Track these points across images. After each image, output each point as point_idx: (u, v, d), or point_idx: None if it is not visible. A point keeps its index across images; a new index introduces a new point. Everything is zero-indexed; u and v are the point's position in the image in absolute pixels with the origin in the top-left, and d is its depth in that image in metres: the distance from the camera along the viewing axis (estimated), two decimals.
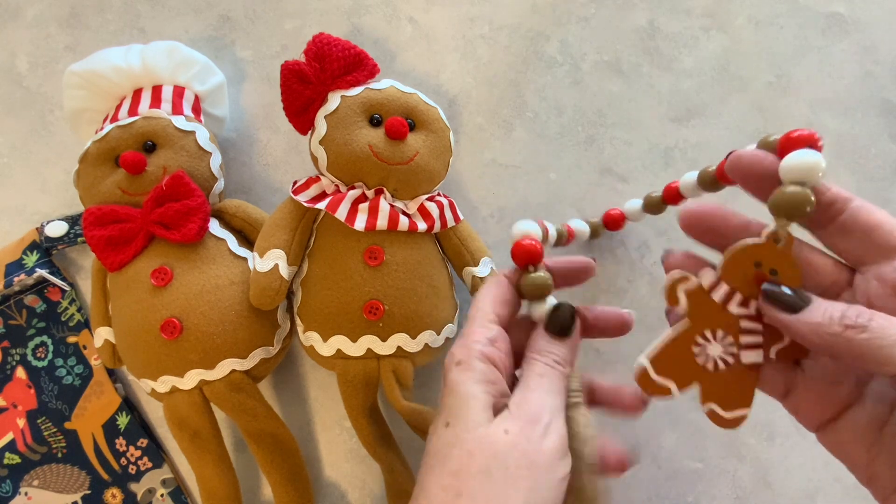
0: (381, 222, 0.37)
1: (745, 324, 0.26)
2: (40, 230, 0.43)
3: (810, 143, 0.24)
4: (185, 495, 0.43)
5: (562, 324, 0.28)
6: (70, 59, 0.46)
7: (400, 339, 0.37)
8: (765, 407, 0.43)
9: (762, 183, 0.26)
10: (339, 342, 0.37)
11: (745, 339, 0.26)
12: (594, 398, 0.30)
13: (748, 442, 0.43)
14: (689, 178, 0.37)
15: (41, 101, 0.46)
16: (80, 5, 0.47)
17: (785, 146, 0.25)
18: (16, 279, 0.42)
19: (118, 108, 0.40)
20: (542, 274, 0.28)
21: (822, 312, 0.23)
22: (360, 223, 0.37)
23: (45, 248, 0.43)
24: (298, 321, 0.39)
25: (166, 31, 0.47)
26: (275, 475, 0.39)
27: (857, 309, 0.23)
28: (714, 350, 0.26)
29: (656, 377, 0.26)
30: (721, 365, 0.26)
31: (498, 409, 0.26)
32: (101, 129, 0.39)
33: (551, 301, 0.29)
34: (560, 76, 0.47)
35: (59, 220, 0.43)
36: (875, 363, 0.22)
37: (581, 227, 0.41)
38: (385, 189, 0.38)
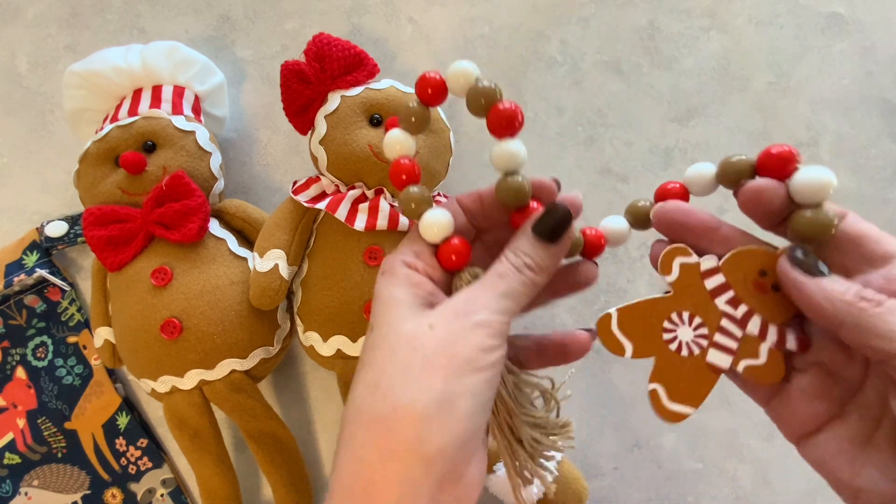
0: (381, 222, 0.37)
1: (725, 323, 0.25)
2: (40, 230, 0.43)
3: (791, 160, 0.24)
4: (185, 495, 0.43)
5: (552, 226, 0.25)
6: (70, 59, 0.46)
7: None
8: None
9: (770, 213, 0.25)
10: (339, 342, 0.37)
11: (719, 337, 0.25)
12: (545, 353, 0.28)
13: (748, 442, 0.43)
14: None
15: (41, 101, 0.46)
16: (80, 5, 0.47)
17: (765, 163, 0.24)
18: (16, 279, 0.42)
19: (118, 108, 0.40)
20: (518, 178, 0.26)
21: (841, 282, 0.23)
22: (360, 223, 0.37)
23: (45, 248, 0.43)
24: (298, 321, 0.39)
25: (166, 31, 0.47)
26: (275, 475, 0.39)
27: (872, 291, 0.22)
28: (684, 334, 0.25)
29: (617, 330, 0.26)
30: (685, 351, 0.25)
31: (424, 307, 0.25)
32: (101, 129, 0.39)
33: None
34: (560, 76, 0.47)
35: (59, 220, 0.43)
36: (881, 338, 0.22)
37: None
38: (385, 189, 0.38)
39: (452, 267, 0.26)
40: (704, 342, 0.25)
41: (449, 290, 0.27)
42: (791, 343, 0.25)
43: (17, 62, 0.47)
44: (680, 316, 0.26)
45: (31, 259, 0.43)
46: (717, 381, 0.26)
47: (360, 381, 0.24)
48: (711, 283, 0.25)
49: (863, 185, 0.46)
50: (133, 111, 0.39)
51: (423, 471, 0.22)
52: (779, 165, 0.24)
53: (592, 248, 0.28)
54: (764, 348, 0.25)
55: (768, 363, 0.25)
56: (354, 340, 0.37)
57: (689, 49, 0.48)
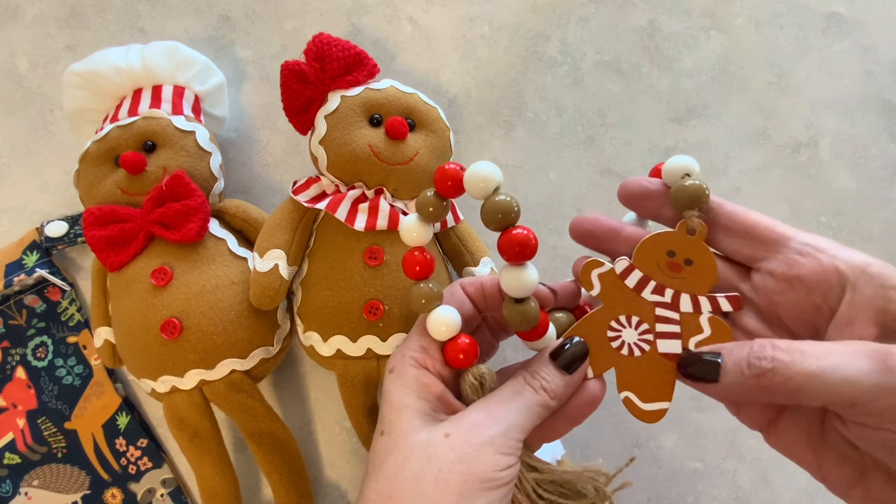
0: (381, 222, 0.37)
1: (660, 311, 0.26)
2: (40, 230, 0.43)
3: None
4: (185, 495, 0.43)
5: (570, 359, 0.26)
6: (70, 59, 0.46)
7: (400, 339, 0.37)
8: None
9: (649, 202, 0.27)
10: (339, 342, 0.37)
11: (661, 327, 0.26)
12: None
13: (748, 442, 0.43)
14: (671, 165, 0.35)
15: (41, 101, 0.46)
16: (80, 5, 0.47)
17: (654, 174, 0.27)
18: (16, 279, 0.42)
19: (118, 108, 0.40)
20: (530, 304, 0.26)
21: (733, 368, 0.23)
22: (360, 223, 0.37)
23: (45, 248, 0.43)
24: (298, 321, 0.39)
25: (166, 31, 0.47)
26: (275, 475, 0.39)
27: (760, 349, 0.23)
28: (629, 336, 0.26)
29: None
30: (637, 351, 0.26)
31: (436, 412, 0.25)
32: (101, 129, 0.39)
33: (552, 334, 0.27)
34: (560, 76, 0.47)
35: (59, 220, 0.43)
36: (795, 400, 0.23)
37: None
38: (385, 189, 0.38)
39: (459, 365, 0.27)
40: (650, 336, 0.26)
41: (457, 387, 0.27)
42: (725, 305, 0.26)
43: (17, 62, 0.47)
44: (619, 321, 0.26)
45: (31, 259, 0.43)
46: (677, 366, 0.26)
47: (371, 488, 0.24)
48: (631, 280, 0.26)
49: (863, 185, 0.46)
50: (133, 111, 0.39)
51: None
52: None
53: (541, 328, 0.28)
54: (704, 320, 0.26)
55: (714, 331, 0.26)
56: (354, 340, 0.37)
57: (689, 49, 0.48)
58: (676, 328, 0.26)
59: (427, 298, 0.27)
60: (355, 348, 0.37)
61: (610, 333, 0.26)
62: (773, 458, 0.43)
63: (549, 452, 0.40)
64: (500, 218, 0.25)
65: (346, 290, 0.37)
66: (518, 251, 0.24)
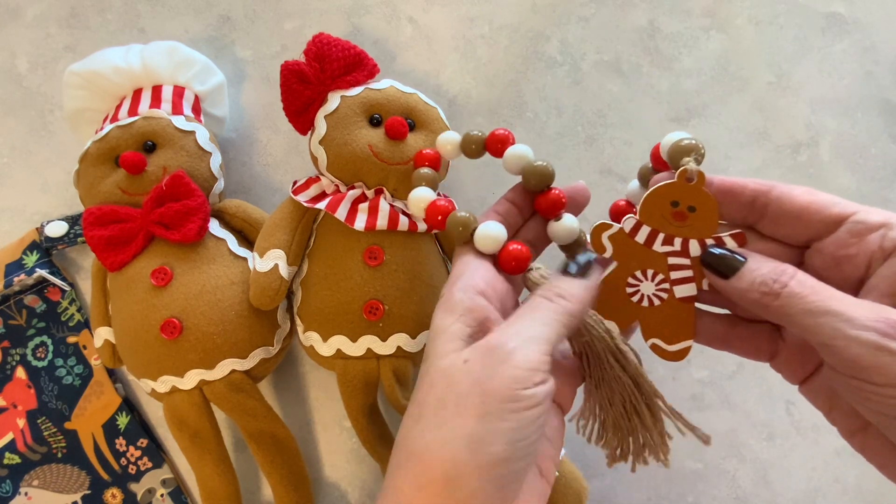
0: (381, 222, 0.37)
1: (672, 260, 0.27)
2: (40, 230, 0.43)
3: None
4: (185, 495, 0.43)
5: (583, 264, 0.27)
6: (70, 59, 0.46)
7: (400, 339, 0.37)
8: (765, 407, 0.44)
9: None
10: (339, 342, 0.37)
11: (675, 274, 0.28)
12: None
13: (748, 442, 0.43)
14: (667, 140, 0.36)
15: (41, 101, 0.46)
16: (80, 5, 0.47)
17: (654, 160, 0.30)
18: (16, 279, 0.42)
19: (118, 108, 0.40)
20: (539, 269, 0.28)
21: (748, 277, 0.25)
22: (359, 223, 0.37)
23: (45, 248, 0.43)
24: (298, 321, 0.39)
25: (166, 31, 0.47)
26: (275, 475, 0.39)
27: (780, 271, 0.24)
28: (647, 288, 0.28)
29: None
30: (656, 301, 0.28)
31: (474, 338, 0.25)
32: (101, 129, 0.39)
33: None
34: (560, 76, 0.47)
35: (59, 220, 0.43)
36: (790, 326, 0.24)
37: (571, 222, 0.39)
38: (385, 189, 0.38)
39: (517, 269, 0.28)
40: (667, 284, 0.28)
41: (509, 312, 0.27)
42: (730, 243, 0.27)
43: (17, 62, 0.47)
44: (635, 277, 0.28)
45: (31, 259, 0.43)
46: (695, 306, 0.28)
47: (407, 412, 0.24)
48: (641, 236, 0.28)
49: (863, 185, 0.46)
50: (133, 111, 0.39)
51: None
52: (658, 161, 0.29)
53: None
54: None
55: None
56: (354, 340, 0.37)
57: (689, 49, 0.48)
58: (689, 273, 0.27)
59: (464, 225, 0.28)
60: (355, 348, 0.37)
61: (629, 290, 0.28)
62: (773, 458, 0.43)
63: None
64: (538, 181, 0.30)
65: (345, 290, 0.37)
66: (552, 206, 0.30)
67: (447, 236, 0.40)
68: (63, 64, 0.45)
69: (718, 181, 0.26)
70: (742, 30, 0.48)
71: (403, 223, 0.37)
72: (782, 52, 0.48)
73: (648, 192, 0.27)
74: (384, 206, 0.37)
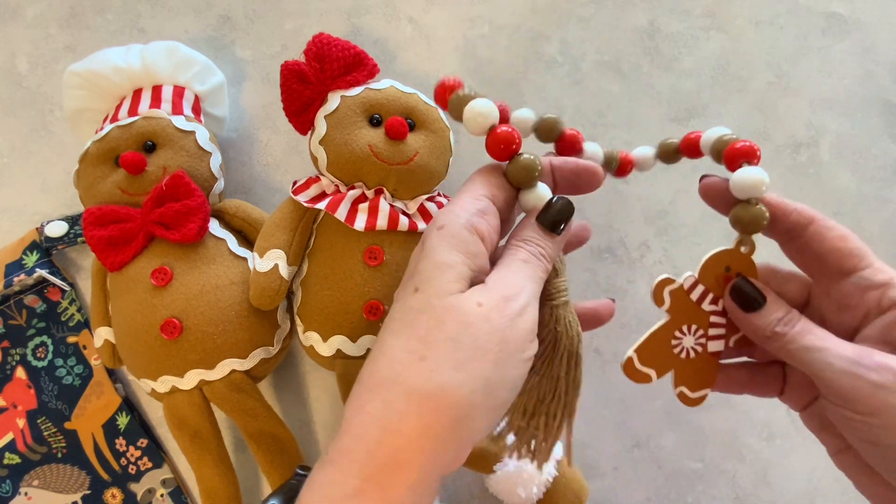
0: (381, 222, 0.37)
1: (713, 318, 0.30)
2: (40, 230, 0.43)
3: (749, 156, 0.28)
4: (185, 495, 0.43)
5: (556, 217, 0.27)
6: (70, 59, 0.46)
7: None
8: (765, 407, 0.44)
9: (722, 203, 0.29)
10: (339, 342, 0.37)
11: (712, 331, 0.30)
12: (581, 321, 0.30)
13: (748, 442, 0.43)
14: (710, 134, 0.34)
15: (41, 101, 0.46)
16: (80, 5, 0.47)
17: (729, 157, 0.29)
18: (16, 279, 0.42)
19: (118, 108, 0.40)
20: (528, 155, 0.27)
21: (765, 316, 0.28)
22: (359, 223, 0.37)
23: (45, 248, 0.43)
24: (298, 321, 0.39)
25: (166, 31, 0.47)
26: (275, 475, 0.39)
27: (789, 320, 0.27)
28: (688, 342, 0.30)
29: (640, 366, 0.30)
30: (692, 354, 0.30)
31: (474, 285, 0.25)
32: (101, 129, 0.39)
33: (544, 190, 0.28)
34: (560, 76, 0.47)
35: (59, 220, 0.43)
36: (791, 359, 0.27)
37: (594, 150, 0.38)
38: (385, 189, 0.38)
39: (507, 154, 0.27)
40: (703, 340, 0.30)
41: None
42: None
43: (17, 62, 0.47)
44: (681, 330, 0.30)
45: (31, 259, 0.43)
46: (720, 359, 0.31)
47: (401, 346, 0.24)
48: (695, 294, 0.30)
49: (863, 185, 0.46)
50: (133, 111, 0.39)
51: (455, 452, 0.23)
52: (732, 157, 0.29)
53: (623, 167, 0.35)
54: None
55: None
56: (354, 340, 0.37)
57: (689, 49, 0.48)
58: (723, 331, 0.30)
59: (461, 99, 0.28)
60: (355, 348, 0.37)
61: (673, 342, 0.30)
62: (773, 458, 0.43)
63: None
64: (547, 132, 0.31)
65: (346, 290, 0.37)
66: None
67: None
68: (63, 64, 0.45)
69: (769, 199, 0.28)
70: (742, 30, 0.48)
71: (403, 223, 0.37)
72: (782, 52, 0.48)
73: (709, 255, 0.29)
74: (384, 206, 0.37)
